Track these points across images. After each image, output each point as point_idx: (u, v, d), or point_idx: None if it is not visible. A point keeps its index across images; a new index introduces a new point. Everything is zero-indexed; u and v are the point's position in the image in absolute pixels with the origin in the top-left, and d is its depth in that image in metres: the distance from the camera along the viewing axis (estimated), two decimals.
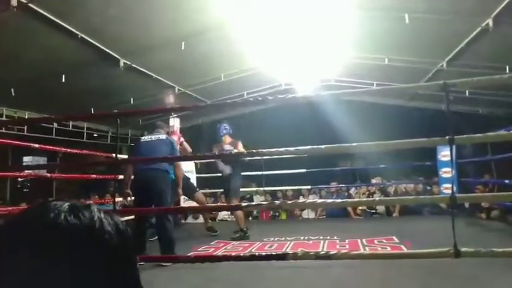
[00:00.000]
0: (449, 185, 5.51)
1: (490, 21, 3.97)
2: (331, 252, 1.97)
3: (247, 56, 5.71)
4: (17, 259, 0.41)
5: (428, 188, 6.92)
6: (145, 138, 4.25)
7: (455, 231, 1.90)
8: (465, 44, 4.79)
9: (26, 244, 0.42)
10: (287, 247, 4.26)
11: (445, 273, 2.75)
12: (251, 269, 2.82)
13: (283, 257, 2.04)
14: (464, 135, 2.04)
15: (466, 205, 6.16)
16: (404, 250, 3.52)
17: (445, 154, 5.95)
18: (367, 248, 4.04)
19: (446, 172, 6.04)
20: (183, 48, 4.63)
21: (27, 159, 8.91)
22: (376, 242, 4.29)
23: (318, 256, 2.05)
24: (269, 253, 2.24)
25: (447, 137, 2.02)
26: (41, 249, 0.41)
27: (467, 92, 6.27)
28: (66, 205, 0.45)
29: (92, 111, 5.71)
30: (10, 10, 2.96)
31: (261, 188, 7.52)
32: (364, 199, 5.21)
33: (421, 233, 4.57)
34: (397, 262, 2.65)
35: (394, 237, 4.39)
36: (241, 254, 2.75)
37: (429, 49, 5.29)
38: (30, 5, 3.14)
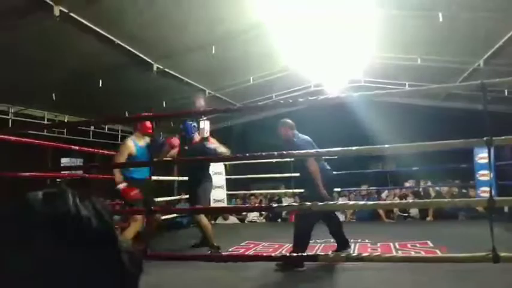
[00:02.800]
0: (487, 188, 5.29)
1: None
2: (363, 255, 1.95)
3: (276, 58, 5.74)
4: None
5: (464, 191, 6.67)
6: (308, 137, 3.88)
7: (494, 236, 1.84)
8: (503, 42, 4.60)
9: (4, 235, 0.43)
10: (317, 249, 4.24)
11: (483, 279, 2.66)
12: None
13: (314, 258, 2.04)
14: (503, 137, 1.97)
15: (506, 209, 5.90)
16: (440, 254, 3.43)
17: (482, 156, 5.73)
18: (399, 251, 3.95)
19: (483, 175, 5.81)
20: (213, 52, 4.72)
21: (64, 161, 9.30)
22: (409, 246, 4.19)
23: (349, 258, 2.03)
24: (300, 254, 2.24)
25: (484, 138, 1.97)
26: (18, 240, 0.43)
27: (506, 91, 6.02)
28: (40, 194, 0.46)
29: (126, 115, 5.92)
30: (53, 19, 3.13)
31: (290, 190, 7.51)
32: (397, 201, 5.09)
33: (457, 238, 4.42)
34: (431, 267, 2.58)
35: (429, 242, 4.27)
36: (273, 255, 2.77)
37: (465, 48, 5.12)
38: (71, 14, 3.31)
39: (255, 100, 7.19)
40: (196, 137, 4.43)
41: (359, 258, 2.02)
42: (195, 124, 4.52)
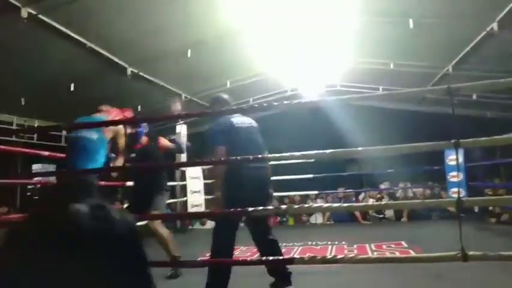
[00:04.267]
0: (457, 189, 5.48)
1: (495, 26, 3.96)
2: (338, 257, 1.97)
3: (253, 62, 5.76)
4: (40, 257, 0.43)
5: (436, 192, 6.87)
6: (234, 119, 2.88)
7: (464, 236, 1.89)
8: (471, 48, 4.78)
9: (49, 243, 0.44)
10: (295, 252, 4.26)
11: (454, 278, 2.74)
12: (258, 275, 2.82)
13: (290, 261, 2.05)
14: (470, 139, 2.04)
15: (476, 209, 6.10)
16: (413, 254, 3.50)
17: (452, 158, 5.92)
18: (375, 253, 4.02)
19: (454, 176, 6.00)
20: (189, 55, 4.69)
21: (36, 167, 9.00)
22: (384, 247, 4.26)
23: (325, 260, 2.05)
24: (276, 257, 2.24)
25: (452, 141, 2.03)
26: (62, 248, 0.44)
27: (474, 95, 6.25)
28: (85, 207, 0.48)
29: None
30: (21, 21, 3.03)
31: None
32: (371, 203, 5.18)
33: (430, 238, 4.54)
34: (405, 267, 2.64)
35: (403, 242, 4.36)
36: (249, 259, 2.75)
37: (435, 54, 5.29)
38: (40, 16, 3.21)
39: (232, 104, 7.18)
40: (143, 140, 3.92)
41: (335, 260, 2.04)
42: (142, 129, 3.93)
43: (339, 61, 6.02)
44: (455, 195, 5.83)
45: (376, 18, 4.45)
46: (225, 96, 3.21)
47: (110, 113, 3.60)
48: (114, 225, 0.48)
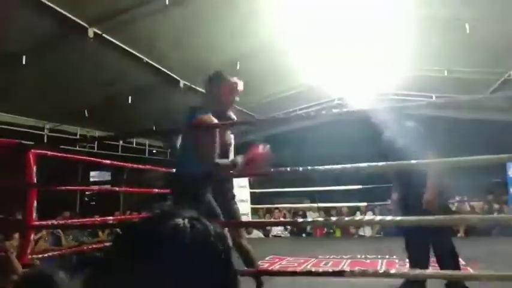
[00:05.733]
0: None
1: None
2: (391, 271, 1.92)
3: (300, 72, 5.79)
4: (146, 264, 0.45)
5: (497, 206, 6.42)
6: None
7: None
8: None
9: (156, 251, 0.46)
10: (343, 265, 4.18)
11: None
12: (307, 286, 2.81)
13: (341, 273, 2.03)
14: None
15: None
16: (471, 271, 3.32)
17: None
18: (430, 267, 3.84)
19: None
20: (238, 68, 4.82)
21: (93, 174, 9.59)
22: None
23: (376, 274, 2.01)
24: (326, 270, 2.23)
25: (507, 155, 1.92)
26: (164, 256, 0.45)
27: None
28: (186, 219, 0.49)
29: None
30: (88, 40, 3.30)
31: (315, 205, 7.46)
32: (424, 217, 4.94)
33: (489, 254, 4.26)
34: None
35: (460, 259, 4.13)
36: (298, 270, 2.76)
37: (493, 59, 5.01)
38: (104, 35, 3.49)
39: (277, 114, 7.25)
40: None
41: (387, 274, 1.99)
42: None
43: (390, 69, 5.86)
44: None
45: (430, 23, 4.31)
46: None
47: None
48: (211, 239, 0.49)
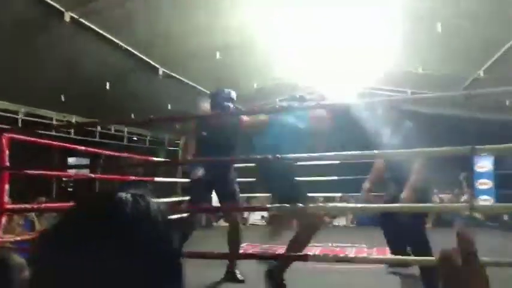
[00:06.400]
0: (487, 197, 5.37)
1: None
2: (350, 256, 2.05)
3: (281, 64, 5.85)
4: (88, 241, 0.47)
5: (464, 198, 6.71)
6: None
7: (491, 243, 1.92)
8: (503, 52, 4.67)
9: (96, 229, 0.48)
10: (314, 252, 4.32)
11: None
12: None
13: (304, 258, 2.14)
14: (486, 146, 2.05)
15: (505, 218, 5.93)
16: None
17: (480, 165, 5.78)
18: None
19: (482, 183, 5.86)
20: (217, 57, 4.85)
21: (71, 160, 9.48)
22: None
23: (338, 259, 2.13)
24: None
25: (469, 147, 2.05)
26: (106, 233, 0.48)
27: (507, 101, 6.07)
28: (129, 195, 0.52)
29: (133, 117, 6.07)
30: (64, 24, 3.28)
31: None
32: (388, 205, 5.15)
33: (452, 244, 4.48)
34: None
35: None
36: (265, 254, 2.87)
37: (464, 58, 5.20)
38: (81, 19, 3.46)
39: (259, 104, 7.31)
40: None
41: (347, 259, 2.11)
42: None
43: (368, 65, 5.99)
44: (486, 203, 5.70)
45: (404, 22, 4.43)
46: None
47: None
48: (153, 213, 0.52)
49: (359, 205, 3.00)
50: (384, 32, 4.64)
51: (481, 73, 5.35)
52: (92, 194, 0.58)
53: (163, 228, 0.52)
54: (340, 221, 7.29)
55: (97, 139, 6.47)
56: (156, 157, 6.65)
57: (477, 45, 4.68)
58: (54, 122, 5.68)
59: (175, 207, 6.62)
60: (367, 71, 6.22)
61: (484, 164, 5.88)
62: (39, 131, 5.23)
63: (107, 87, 4.97)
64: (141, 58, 4.66)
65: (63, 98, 5.04)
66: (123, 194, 0.52)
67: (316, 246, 4.70)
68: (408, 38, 4.80)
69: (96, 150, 4.67)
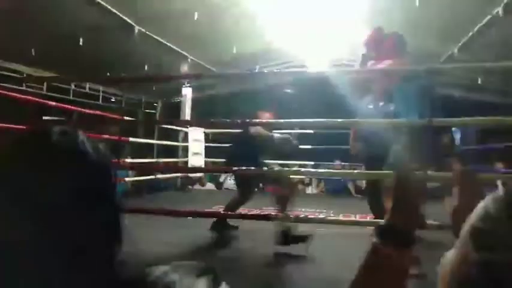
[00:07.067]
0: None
1: (500, 10, 3.96)
2: (310, 217, 2.17)
3: (261, 30, 5.79)
4: (19, 169, 0.50)
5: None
6: None
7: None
8: (476, 31, 4.77)
9: (26, 157, 0.52)
10: None
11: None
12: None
13: (267, 217, 2.26)
14: (442, 119, 2.17)
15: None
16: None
17: None
18: None
19: None
20: (195, 18, 4.76)
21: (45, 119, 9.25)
22: (368, 218, 4.47)
23: (298, 219, 2.25)
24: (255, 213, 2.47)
25: (426, 119, 2.16)
26: (36, 163, 0.51)
27: (479, 80, 6.25)
28: (58, 129, 0.56)
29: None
30: None
31: (268, 161, 7.72)
32: (350, 171, 5.39)
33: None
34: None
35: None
36: (229, 213, 3.00)
37: (440, 34, 5.27)
38: None
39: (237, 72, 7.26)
40: None
41: (307, 220, 2.24)
42: None
43: (345, 36, 6.00)
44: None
45: None
46: None
47: None
48: (78, 145, 0.55)
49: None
50: (362, 5, 4.64)
51: (456, 50, 5.46)
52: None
53: (92, 163, 0.54)
54: (311, 190, 7.53)
55: (71, 97, 6.34)
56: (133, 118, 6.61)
57: (453, 21, 4.75)
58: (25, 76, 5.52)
59: (149, 168, 6.65)
60: (344, 43, 6.24)
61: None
62: (5, 85, 5.07)
63: (80, 43, 4.83)
64: (116, 14, 4.52)
65: (33, 52, 4.87)
66: (53, 128, 0.55)
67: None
68: (385, 13, 4.82)
69: (67, 106, 4.59)
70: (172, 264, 0.54)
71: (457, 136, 6.27)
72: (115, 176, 0.59)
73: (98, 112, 4.85)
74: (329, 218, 3.22)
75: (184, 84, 7.48)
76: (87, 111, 4.79)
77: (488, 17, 4.23)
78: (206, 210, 3.91)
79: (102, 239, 0.53)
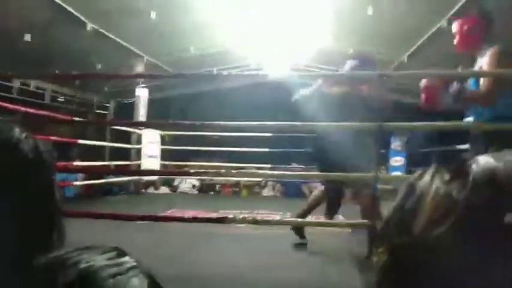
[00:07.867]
0: (399, 173, 5.91)
1: (444, 22, 4.22)
2: (259, 218, 2.18)
3: (219, 31, 5.77)
4: None
5: (381, 174, 7.33)
6: None
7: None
8: (425, 41, 5.05)
9: None
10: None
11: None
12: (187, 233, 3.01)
13: (222, 220, 2.23)
14: (393, 123, 2.26)
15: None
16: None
17: (396, 144, 6.32)
18: None
19: (396, 161, 6.43)
20: (152, 17, 4.64)
21: None
22: (322, 219, 4.57)
23: (248, 221, 2.25)
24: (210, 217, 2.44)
25: (377, 124, 2.24)
26: None
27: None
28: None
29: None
30: None
31: (225, 164, 7.69)
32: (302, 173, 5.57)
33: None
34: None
35: (340, 216, 4.69)
36: (185, 217, 2.93)
37: (392, 42, 5.53)
38: None
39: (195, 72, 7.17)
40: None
41: (255, 221, 2.24)
42: None
43: (303, 42, 6.14)
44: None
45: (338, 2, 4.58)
46: None
47: None
48: (14, 140, 0.52)
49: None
50: (318, 12, 4.76)
51: (405, 58, 5.75)
52: None
53: (28, 155, 0.52)
54: (268, 192, 7.59)
55: (14, 95, 5.93)
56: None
57: (404, 30, 5.00)
58: None
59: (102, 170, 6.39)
60: (302, 49, 6.39)
61: (398, 144, 6.47)
62: None
63: (28, 39, 4.54)
64: (65, 9, 4.30)
65: None
66: None
67: (242, 213, 4.88)
68: (341, 19, 4.99)
69: (7, 105, 4.29)
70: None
71: (402, 142, 6.62)
72: (54, 177, 0.56)
73: (43, 112, 4.56)
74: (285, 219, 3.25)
75: (138, 85, 7.26)
76: (31, 110, 4.49)
77: (435, 28, 4.49)
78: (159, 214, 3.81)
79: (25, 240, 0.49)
